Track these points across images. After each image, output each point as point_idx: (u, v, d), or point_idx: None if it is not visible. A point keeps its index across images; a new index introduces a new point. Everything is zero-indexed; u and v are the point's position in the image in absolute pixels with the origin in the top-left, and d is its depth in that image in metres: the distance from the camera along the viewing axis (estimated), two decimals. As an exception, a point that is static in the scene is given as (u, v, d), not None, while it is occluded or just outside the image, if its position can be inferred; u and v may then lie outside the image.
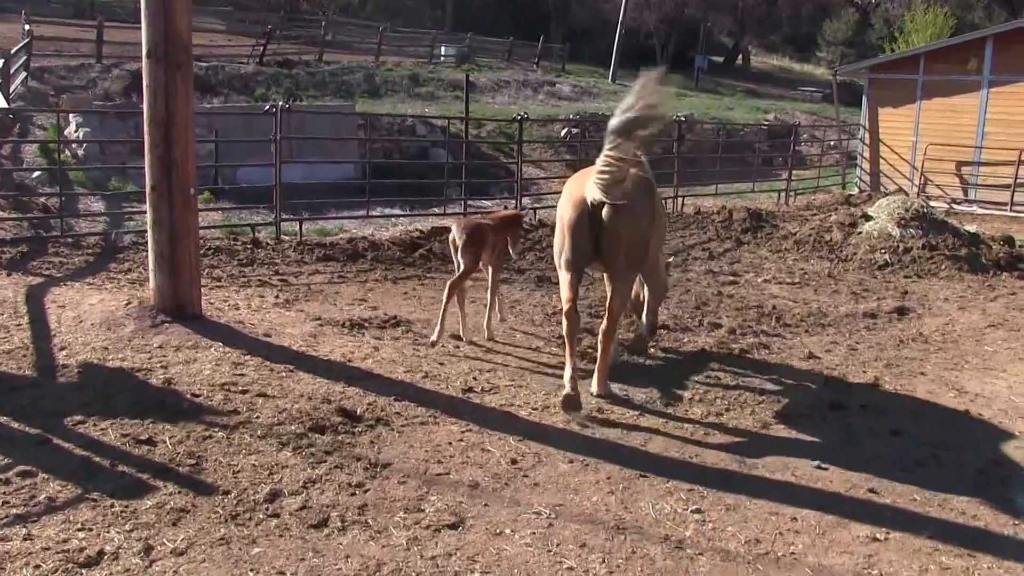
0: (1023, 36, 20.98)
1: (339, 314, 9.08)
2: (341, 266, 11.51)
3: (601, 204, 6.76)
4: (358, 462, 5.62)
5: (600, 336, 7.15)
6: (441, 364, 7.74)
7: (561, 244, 7.17)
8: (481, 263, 8.53)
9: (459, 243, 8.29)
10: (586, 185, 6.90)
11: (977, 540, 5.14)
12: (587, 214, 6.88)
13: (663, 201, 8.52)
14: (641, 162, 7.50)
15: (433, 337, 8.31)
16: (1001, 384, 8.13)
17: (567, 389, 6.75)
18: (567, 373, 6.87)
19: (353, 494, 5.21)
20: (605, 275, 7.33)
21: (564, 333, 7.06)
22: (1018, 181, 20.88)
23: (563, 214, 7.11)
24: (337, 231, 13.94)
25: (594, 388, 7.21)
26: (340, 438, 5.97)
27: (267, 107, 13.51)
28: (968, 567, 4.82)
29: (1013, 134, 21.04)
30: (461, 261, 8.29)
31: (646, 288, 8.41)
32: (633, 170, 6.98)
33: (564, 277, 7.18)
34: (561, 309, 7.19)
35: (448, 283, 8.37)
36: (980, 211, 20.91)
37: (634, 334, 8.67)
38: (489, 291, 8.87)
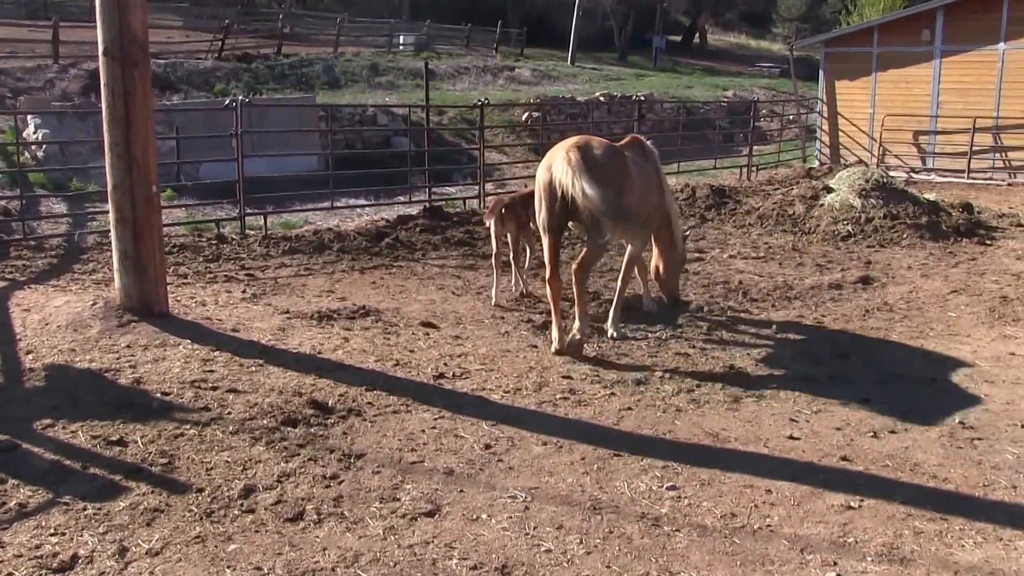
0: (972, 6, 21.16)
1: (307, 306, 9.00)
2: (307, 258, 11.41)
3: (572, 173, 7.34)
4: (332, 454, 5.58)
5: (573, 278, 7.79)
6: (411, 352, 7.69)
7: (539, 208, 7.81)
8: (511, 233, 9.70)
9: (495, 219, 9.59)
10: (555, 158, 7.56)
11: (948, 503, 5.18)
12: (550, 186, 7.57)
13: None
14: (642, 143, 8.69)
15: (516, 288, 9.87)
16: (965, 349, 8.20)
17: (555, 344, 7.73)
18: (554, 333, 7.83)
19: (328, 486, 5.17)
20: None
21: (550, 297, 7.85)
22: (974, 148, 21.09)
23: (538, 180, 7.74)
24: (302, 224, 13.83)
25: (576, 327, 7.77)
26: (313, 430, 5.92)
27: (227, 102, 13.34)
28: (941, 530, 4.85)
29: (967, 102, 21.25)
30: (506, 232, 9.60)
31: (659, 255, 9.12)
32: (599, 147, 7.67)
33: (545, 241, 7.87)
34: (545, 276, 7.94)
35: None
36: (938, 179, 21.10)
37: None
38: (512, 257, 9.92)
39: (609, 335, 8.31)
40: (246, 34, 35.10)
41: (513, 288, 9.94)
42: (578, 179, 7.22)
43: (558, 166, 7.43)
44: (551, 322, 7.98)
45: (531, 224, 9.28)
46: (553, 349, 7.72)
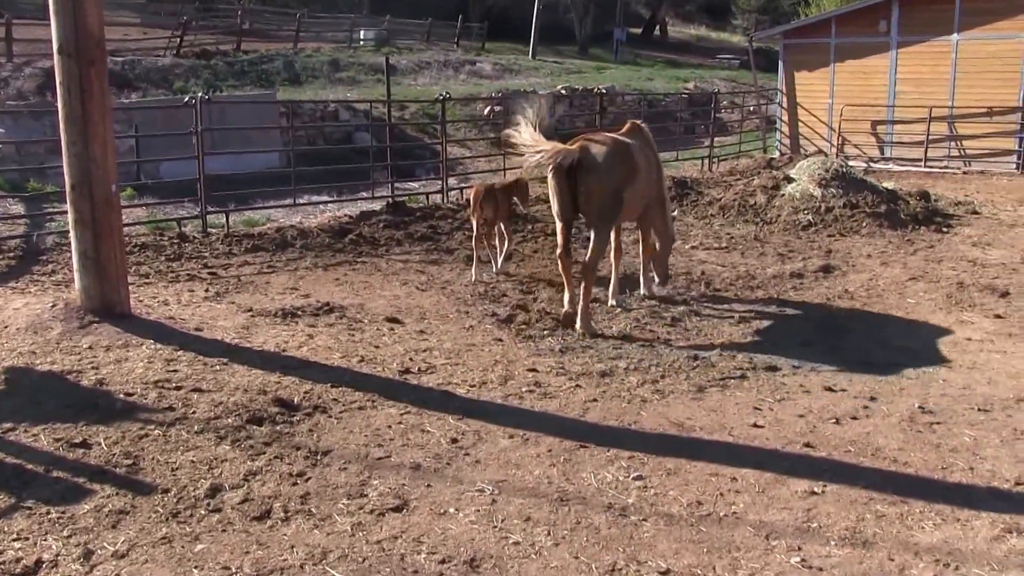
0: (926, -4, 21.45)
1: (271, 304, 8.95)
2: (270, 256, 11.33)
3: (574, 167, 8.12)
4: (298, 451, 5.55)
5: (583, 279, 8.34)
6: (377, 347, 7.68)
7: (553, 199, 8.50)
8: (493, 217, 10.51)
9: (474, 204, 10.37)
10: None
11: (909, 486, 5.26)
12: (563, 176, 8.22)
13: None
14: (641, 129, 9.25)
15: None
16: (924, 336, 8.33)
17: (566, 308, 8.41)
18: (566, 297, 8.50)
19: (295, 484, 5.15)
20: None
21: (561, 270, 8.64)
22: (930, 138, 21.36)
23: (550, 175, 8.39)
24: (264, 221, 13.73)
25: (578, 324, 8.30)
26: (279, 428, 5.89)
27: (187, 99, 13.21)
28: (902, 513, 4.93)
29: (923, 92, 21.50)
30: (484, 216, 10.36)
31: (658, 238, 9.55)
32: (601, 144, 8.34)
33: (558, 226, 8.62)
34: (558, 253, 8.69)
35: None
36: (896, 168, 21.34)
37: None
38: (497, 240, 10.79)
39: (610, 304, 9.24)
40: (205, 31, 34.79)
41: (494, 269, 10.61)
42: (587, 174, 8.11)
43: (570, 156, 8.09)
44: (564, 293, 8.66)
45: (509, 210, 10.56)
46: (564, 312, 8.47)
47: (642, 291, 9.67)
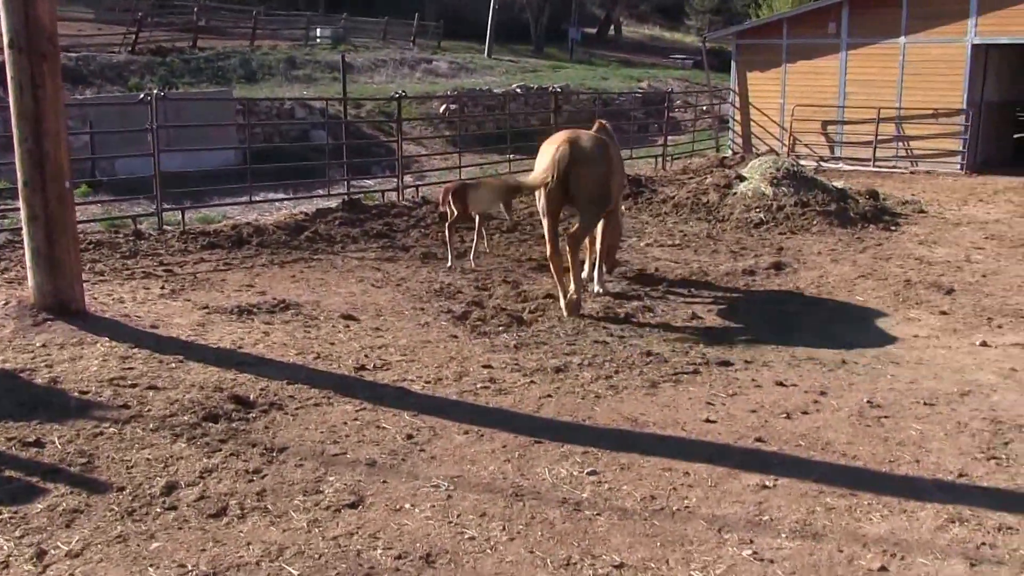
0: (875, 1, 21.69)
1: (227, 301, 8.87)
2: (226, 253, 11.22)
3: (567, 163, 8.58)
4: (254, 448, 5.52)
5: (568, 249, 8.82)
6: (332, 344, 7.64)
7: (539, 195, 8.98)
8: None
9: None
10: (555, 149, 8.67)
11: (858, 480, 5.34)
12: (553, 172, 8.62)
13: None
14: (606, 128, 9.83)
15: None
16: (873, 332, 8.47)
17: (572, 294, 8.71)
18: (561, 291, 8.85)
19: (251, 480, 5.11)
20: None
21: (552, 269, 8.95)
22: (878, 138, 21.67)
23: (537, 170, 8.88)
24: (220, 218, 13.58)
25: (571, 290, 8.77)
26: (234, 425, 5.84)
27: (142, 96, 13.03)
28: (850, 505, 5.01)
29: (871, 93, 21.79)
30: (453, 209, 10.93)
31: (600, 231, 9.76)
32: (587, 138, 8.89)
33: (545, 223, 9.02)
34: (548, 254, 9.02)
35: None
36: (846, 167, 21.62)
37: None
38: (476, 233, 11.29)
39: (595, 291, 9.65)
40: (160, 27, 34.31)
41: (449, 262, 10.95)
42: (574, 167, 8.55)
43: (557, 157, 8.60)
44: (556, 292, 9.03)
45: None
46: (564, 312, 8.73)
47: (596, 287, 9.78)
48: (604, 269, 9.98)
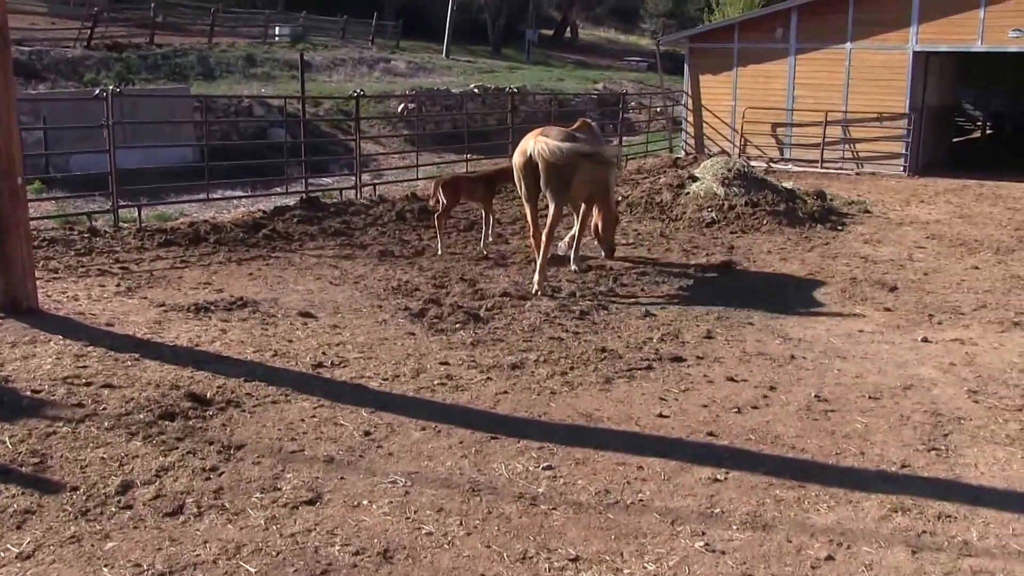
0: (823, 7, 21.91)
1: (184, 299, 8.75)
2: (183, 251, 11.06)
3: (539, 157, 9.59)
4: (211, 446, 5.44)
5: (543, 237, 9.71)
6: (290, 342, 7.56)
7: (520, 183, 10.03)
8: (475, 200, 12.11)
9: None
10: (531, 143, 9.66)
11: (806, 472, 5.40)
12: (529, 163, 9.67)
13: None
14: (591, 126, 10.77)
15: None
16: (820, 328, 8.54)
17: (535, 287, 9.54)
18: (537, 275, 9.67)
19: (208, 478, 5.03)
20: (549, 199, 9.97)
21: (534, 246, 10.01)
22: (826, 140, 21.94)
23: (515, 163, 9.96)
24: (177, 216, 13.39)
25: (536, 279, 9.63)
26: (191, 423, 5.76)
27: (97, 92, 12.80)
28: (799, 497, 5.06)
29: (819, 97, 22.04)
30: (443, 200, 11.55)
31: (601, 217, 10.89)
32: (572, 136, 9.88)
33: (527, 208, 10.16)
34: (530, 232, 10.21)
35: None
36: (795, 168, 21.85)
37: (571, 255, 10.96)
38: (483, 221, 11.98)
39: (572, 269, 10.62)
40: (116, 23, 33.75)
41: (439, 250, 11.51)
42: (549, 148, 9.44)
43: (534, 147, 9.58)
44: (535, 267, 9.86)
45: (488, 196, 11.79)
46: (534, 289, 9.53)
47: (572, 266, 10.69)
48: (603, 252, 11.13)
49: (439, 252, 11.37)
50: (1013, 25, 19.59)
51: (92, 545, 4.32)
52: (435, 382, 6.73)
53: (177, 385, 6.31)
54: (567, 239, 11.20)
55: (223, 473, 5.12)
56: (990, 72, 27.60)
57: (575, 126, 10.50)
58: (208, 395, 6.20)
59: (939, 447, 5.80)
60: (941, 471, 5.47)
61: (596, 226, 11.10)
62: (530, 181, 9.84)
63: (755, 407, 6.45)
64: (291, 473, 5.16)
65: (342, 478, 5.12)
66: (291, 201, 14.22)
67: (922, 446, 5.81)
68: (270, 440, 5.59)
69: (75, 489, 4.84)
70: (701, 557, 4.42)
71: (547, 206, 10.03)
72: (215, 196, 14.49)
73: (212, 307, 8.46)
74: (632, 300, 9.43)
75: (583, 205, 10.72)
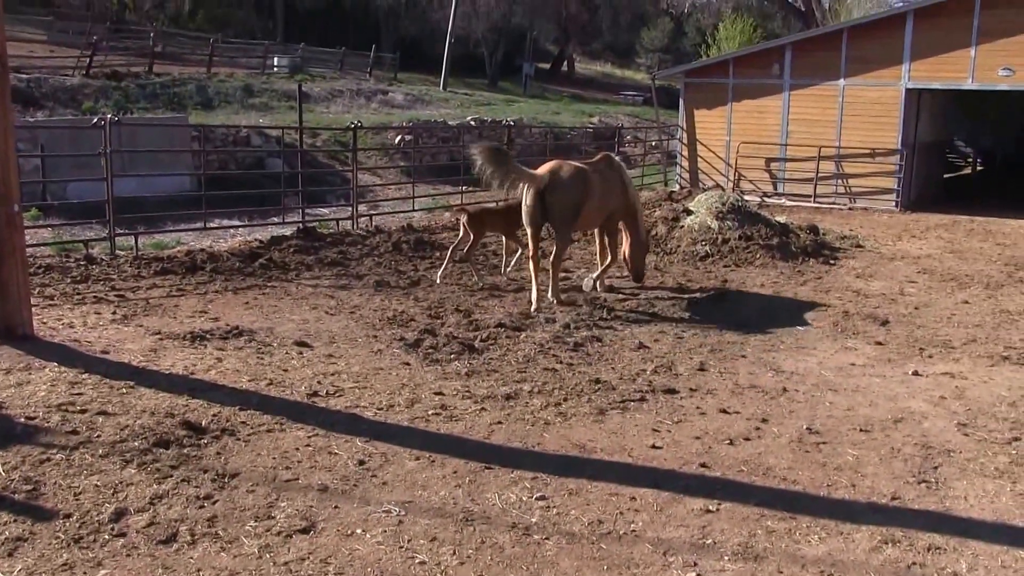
0: (816, 44, 22.21)
1: (179, 327, 8.77)
2: (180, 279, 11.09)
3: (543, 188, 10.30)
4: (205, 474, 5.45)
5: (551, 269, 10.69)
6: (285, 371, 7.58)
7: (524, 212, 10.59)
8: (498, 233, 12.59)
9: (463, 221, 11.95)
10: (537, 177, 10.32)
11: (797, 503, 5.43)
12: (536, 194, 10.31)
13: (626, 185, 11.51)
14: (611, 159, 11.59)
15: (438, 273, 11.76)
16: (812, 361, 8.58)
17: (534, 305, 10.20)
18: (534, 292, 10.39)
19: (202, 506, 5.04)
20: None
21: (530, 271, 10.63)
22: (819, 175, 22.10)
23: (522, 197, 10.55)
24: (174, 244, 13.44)
25: (550, 295, 10.57)
26: (186, 451, 5.77)
27: (96, 120, 12.88)
28: (790, 528, 5.08)
29: (812, 132, 22.25)
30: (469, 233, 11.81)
31: (629, 244, 11.61)
32: (563, 169, 10.55)
33: (529, 232, 10.71)
34: (528, 256, 10.85)
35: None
36: (788, 203, 21.97)
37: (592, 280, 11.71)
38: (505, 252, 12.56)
39: (587, 286, 11.48)
40: (116, 52, 33.91)
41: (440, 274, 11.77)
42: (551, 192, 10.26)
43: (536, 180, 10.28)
44: (531, 289, 10.53)
45: (509, 228, 11.96)
46: (532, 308, 10.12)
47: (587, 282, 11.61)
48: (599, 280, 11.59)
49: (476, 280, 11.57)
50: (1004, 64, 19.85)
51: (84, 573, 4.33)
52: (429, 412, 6.75)
53: (172, 413, 6.33)
54: (591, 277, 11.70)
55: (217, 501, 5.12)
56: (981, 109, 27.87)
57: (596, 159, 11.40)
58: (203, 423, 6.21)
59: (929, 479, 5.84)
60: (931, 503, 5.50)
61: (624, 252, 11.70)
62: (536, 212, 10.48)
63: (747, 439, 6.48)
64: (285, 502, 5.16)
65: (336, 507, 5.13)
66: (288, 231, 14.26)
67: (912, 478, 5.85)
68: (264, 469, 5.60)
69: (68, 516, 4.84)
70: (693, 588, 4.44)
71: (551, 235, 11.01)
72: (212, 225, 14.53)
73: (208, 336, 8.48)
74: (625, 332, 9.47)
75: (606, 234, 11.57)
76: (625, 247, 11.73)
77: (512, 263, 12.42)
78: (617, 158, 11.95)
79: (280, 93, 31.81)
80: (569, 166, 10.70)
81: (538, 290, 10.37)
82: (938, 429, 6.79)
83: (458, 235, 11.85)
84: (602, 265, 11.72)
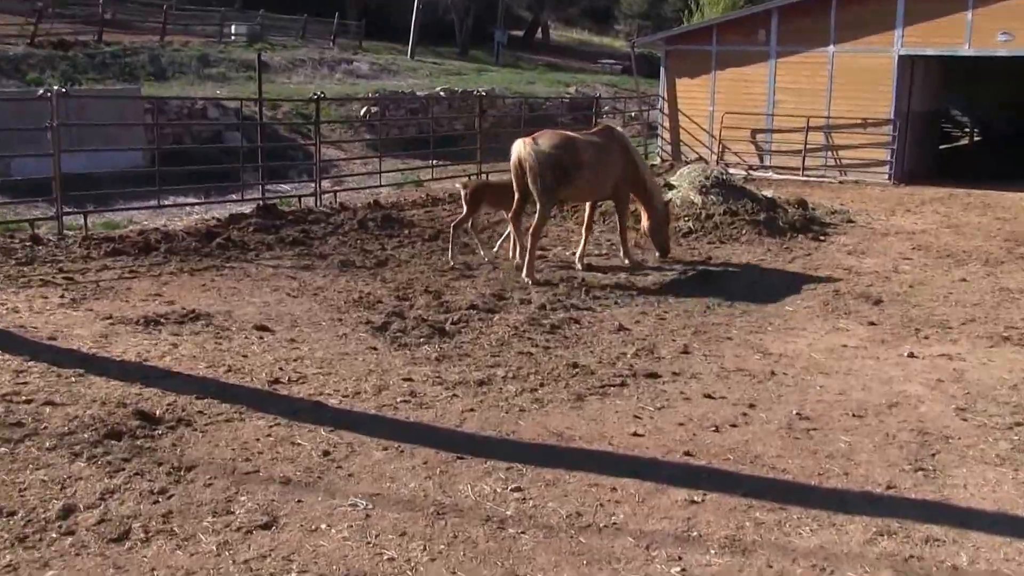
0: (804, 9, 22.16)
1: (132, 311, 8.67)
2: (133, 260, 10.97)
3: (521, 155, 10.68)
4: (160, 467, 5.39)
5: (529, 239, 10.73)
6: (245, 357, 7.52)
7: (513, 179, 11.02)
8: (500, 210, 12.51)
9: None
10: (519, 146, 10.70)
11: (787, 493, 5.43)
12: (517, 161, 10.73)
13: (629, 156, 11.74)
14: (611, 130, 11.91)
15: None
16: (802, 343, 8.60)
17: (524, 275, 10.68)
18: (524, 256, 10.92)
19: (156, 502, 4.98)
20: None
21: (512, 228, 11.42)
22: (808, 147, 22.13)
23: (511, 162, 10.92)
24: (126, 224, 13.29)
25: (524, 274, 10.68)
26: (139, 443, 5.70)
27: (41, 92, 12.68)
28: (780, 520, 5.08)
29: (800, 102, 22.24)
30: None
31: (647, 218, 11.95)
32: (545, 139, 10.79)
33: (516, 197, 11.05)
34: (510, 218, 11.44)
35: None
36: (775, 176, 22.02)
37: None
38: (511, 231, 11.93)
39: (577, 267, 11.47)
40: (63, 19, 33.41)
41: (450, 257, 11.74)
42: (529, 156, 10.52)
43: (517, 149, 10.66)
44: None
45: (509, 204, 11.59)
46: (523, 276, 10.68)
47: (625, 260, 11.90)
48: (625, 250, 11.98)
49: (451, 263, 11.46)
50: (1002, 28, 19.89)
51: (30, 574, 4.26)
52: (398, 399, 6.71)
53: (124, 403, 6.26)
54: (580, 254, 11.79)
55: (172, 496, 5.06)
56: (978, 77, 27.99)
57: (596, 129, 11.86)
58: (157, 413, 6.15)
59: (926, 467, 5.85)
60: (929, 492, 5.52)
61: (644, 228, 12.09)
62: (521, 184, 10.87)
63: (734, 425, 6.48)
64: (245, 496, 5.11)
65: (299, 501, 5.09)
66: (247, 209, 14.16)
67: (909, 466, 5.86)
68: (223, 461, 5.55)
69: (12, 514, 4.77)
70: (678, 582, 4.43)
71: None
72: (166, 203, 14.39)
73: (162, 320, 8.41)
74: (604, 313, 9.45)
75: (616, 208, 12.10)
76: (644, 222, 12.03)
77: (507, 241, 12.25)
78: (619, 129, 12.20)
79: (238, 63, 31.48)
80: (553, 134, 10.94)
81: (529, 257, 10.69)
82: (935, 414, 6.82)
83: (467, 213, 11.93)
84: (583, 241, 11.86)
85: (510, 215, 11.54)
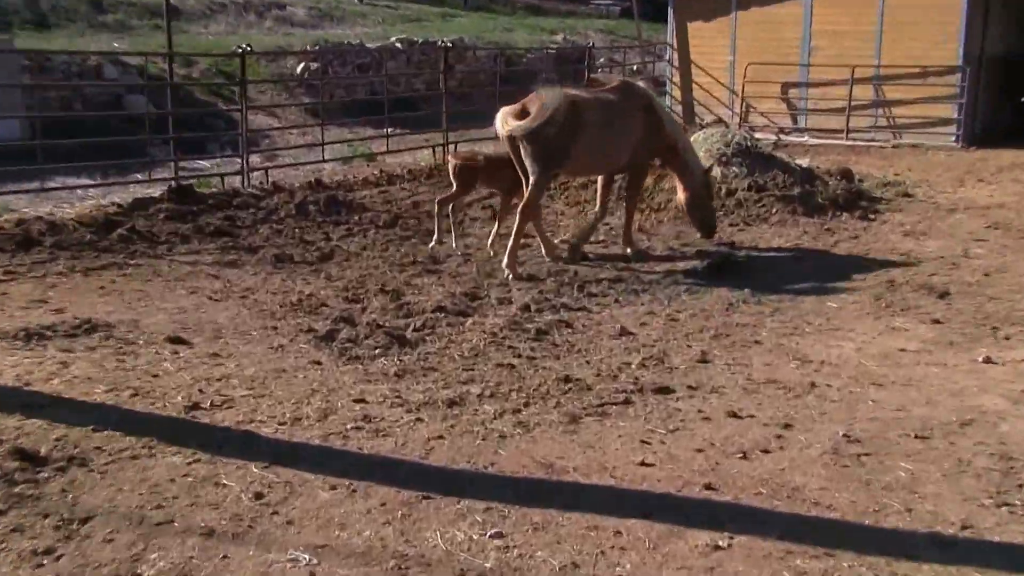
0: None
1: (10, 322, 8.66)
2: (9, 258, 10.95)
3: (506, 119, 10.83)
4: (46, 520, 5.35)
5: (518, 218, 10.89)
6: (155, 377, 7.50)
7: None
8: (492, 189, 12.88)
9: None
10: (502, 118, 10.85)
11: (834, 535, 5.41)
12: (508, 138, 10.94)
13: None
14: (630, 87, 11.88)
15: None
16: (849, 347, 8.63)
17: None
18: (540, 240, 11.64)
19: (40, 565, 4.94)
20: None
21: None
22: (852, 104, 22.13)
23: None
24: (1, 211, 13.22)
25: (504, 263, 10.79)
26: (18, 490, 5.67)
27: None
28: (826, 569, 5.06)
29: (843, 48, 22.21)
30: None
31: (682, 191, 11.98)
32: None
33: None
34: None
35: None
36: (813, 141, 22.13)
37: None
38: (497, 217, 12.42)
39: (570, 245, 11.73)
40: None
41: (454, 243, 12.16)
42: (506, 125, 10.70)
43: (500, 117, 10.86)
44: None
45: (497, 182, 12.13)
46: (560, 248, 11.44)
47: (628, 251, 11.84)
48: (627, 234, 11.97)
49: (432, 245, 11.84)
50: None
51: None
52: (349, 426, 6.71)
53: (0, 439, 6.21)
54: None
55: (62, 556, 5.03)
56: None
57: (610, 86, 11.76)
58: (42, 451, 6.12)
59: (1012, 502, 5.85)
60: (1016, 534, 5.51)
61: (680, 202, 12.21)
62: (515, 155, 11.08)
63: (766, 451, 6.48)
64: (156, 552, 5.08)
65: (225, 557, 5.06)
66: (156, 191, 14.16)
67: (989, 500, 5.86)
68: (128, 509, 5.52)
69: None
70: (701, 649, 4.43)
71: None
72: (52, 185, 14.34)
73: (49, 332, 8.39)
74: (603, 314, 9.46)
75: (623, 177, 12.47)
76: (680, 195, 12.07)
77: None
78: (641, 84, 12.31)
79: (141, 8, 31.37)
80: (547, 92, 10.99)
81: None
82: (1020, 434, 6.84)
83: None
84: (592, 223, 12.09)
85: (505, 199, 11.95)
